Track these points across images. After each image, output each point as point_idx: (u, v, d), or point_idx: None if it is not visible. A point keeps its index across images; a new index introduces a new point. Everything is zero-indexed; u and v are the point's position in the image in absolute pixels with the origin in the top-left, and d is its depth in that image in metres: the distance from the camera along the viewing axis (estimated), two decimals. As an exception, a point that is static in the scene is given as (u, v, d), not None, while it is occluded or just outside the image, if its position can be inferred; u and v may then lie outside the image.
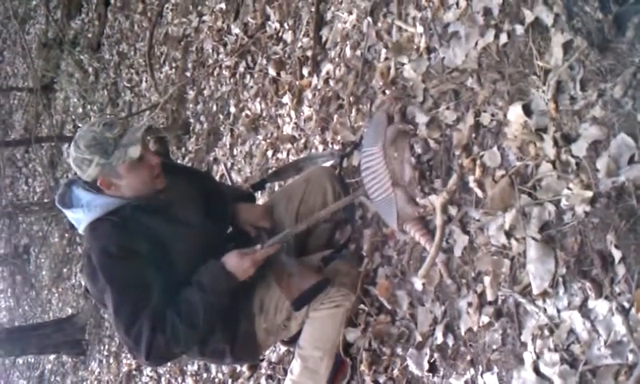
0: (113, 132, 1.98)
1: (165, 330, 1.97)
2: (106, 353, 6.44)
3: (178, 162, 5.20)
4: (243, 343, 2.31)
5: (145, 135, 2.02)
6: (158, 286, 2.02)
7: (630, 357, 1.51)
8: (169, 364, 4.67)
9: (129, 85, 6.84)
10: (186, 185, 2.37)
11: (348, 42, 3.04)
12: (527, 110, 1.87)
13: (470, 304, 2.00)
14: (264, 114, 3.92)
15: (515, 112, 1.89)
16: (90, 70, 8.04)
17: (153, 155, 2.09)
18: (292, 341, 2.48)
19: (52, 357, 8.55)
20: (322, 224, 2.58)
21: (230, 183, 4.06)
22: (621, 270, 1.56)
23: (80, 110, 8.27)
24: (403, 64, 2.50)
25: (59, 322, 7.62)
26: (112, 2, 7.69)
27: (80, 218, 2.09)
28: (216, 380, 3.84)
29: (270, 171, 3.46)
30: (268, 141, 3.78)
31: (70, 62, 8.60)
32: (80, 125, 7.99)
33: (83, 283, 7.33)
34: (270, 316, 2.30)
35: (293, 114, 3.52)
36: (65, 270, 8.42)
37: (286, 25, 3.83)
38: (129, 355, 5.64)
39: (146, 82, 6.31)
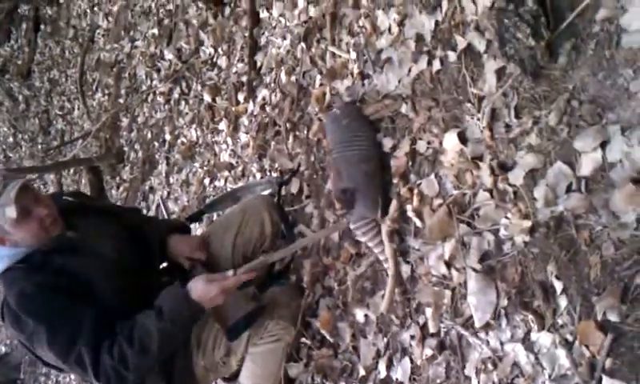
0: None
1: (112, 352, 1.85)
2: (41, 392, 6.18)
3: (112, 191, 5.07)
4: (181, 381, 2.19)
5: (20, 193, 1.91)
6: (90, 314, 1.90)
7: (575, 391, 1.48)
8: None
9: (61, 112, 6.65)
10: (101, 221, 2.27)
11: (283, 68, 2.99)
12: (463, 138, 1.84)
13: (412, 336, 1.95)
14: (200, 141, 3.83)
15: (451, 140, 1.86)
16: (21, 97, 7.84)
17: (41, 207, 1.99)
18: (234, 378, 2.38)
19: (-14, 398, 8.18)
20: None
21: (165, 213, 3.95)
22: (562, 302, 1.53)
23: (11, 139, 8.02)
24: (338, 90, 2.45)
25: (-8, 362, 7.33)
26: (42, 28, 7.52)
27: None
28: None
29: (207, 200, 3.37)
30: (205, 168, 3.69)
31: (0, 90, 8.35)
32: (10, 155, 7.76)
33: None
34: (207, 352, 2.20)
35: (229, 140, 3.44)
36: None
37: (220, 50, 3.76)
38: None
39: (79, 109, 6.15)
